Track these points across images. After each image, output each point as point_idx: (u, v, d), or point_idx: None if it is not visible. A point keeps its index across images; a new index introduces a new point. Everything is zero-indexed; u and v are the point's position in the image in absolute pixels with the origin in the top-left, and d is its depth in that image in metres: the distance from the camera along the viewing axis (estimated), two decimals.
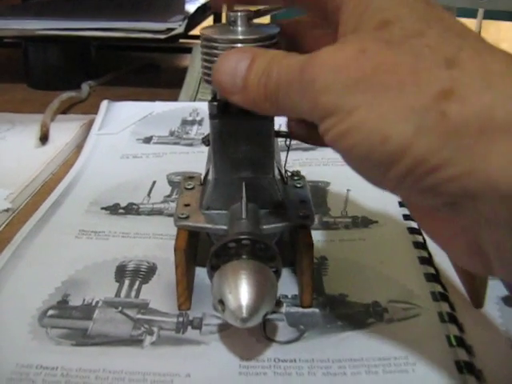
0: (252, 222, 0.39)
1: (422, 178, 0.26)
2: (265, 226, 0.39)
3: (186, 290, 0.39)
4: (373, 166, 0.27)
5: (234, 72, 0.32)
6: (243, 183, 0.40)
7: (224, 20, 0.38)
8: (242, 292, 0.33)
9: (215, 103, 0.39)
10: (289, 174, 0.45)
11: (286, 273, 0.42)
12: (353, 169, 0.29)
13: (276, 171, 0.42)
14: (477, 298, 0.40)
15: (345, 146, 0.28)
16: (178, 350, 0.37)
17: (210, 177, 0.41)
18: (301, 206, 0.42)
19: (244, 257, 0.35)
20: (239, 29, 0.36)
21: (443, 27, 0.28)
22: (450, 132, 0.25)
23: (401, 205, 0.51)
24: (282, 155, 0.45)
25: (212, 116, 0.39)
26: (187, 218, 0.41)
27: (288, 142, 0.42)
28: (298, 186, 0.45)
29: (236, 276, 0.34)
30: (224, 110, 0.39)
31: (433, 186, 0.26)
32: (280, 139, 0.43)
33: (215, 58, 0.35)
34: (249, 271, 0.34)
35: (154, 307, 0.40)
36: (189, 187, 0.44)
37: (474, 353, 0.36)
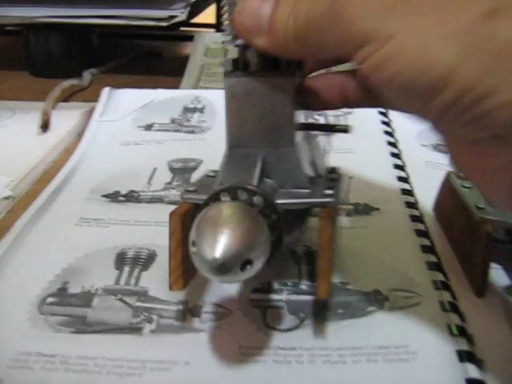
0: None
1: (469, 106, 0.24)
2: (278, 201, 0.35)
3: (179, 267, 0.36)
4: (415, 95, 0.26)
5: (258, 13, 0.30)
6: (261, 156, 0.37)
7: None
8: (216, 231, 0.30)
9: (230, 59, 0.36)
10: (323, 171, 0.41)
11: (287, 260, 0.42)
12: (392, 101, 0.28)
13: (302, 149, 0.38)
14: (478, 287, 0.40)
15: (385, 76, 0.26)
16: (178, 338, 0.37)
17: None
18: (327, 186, 0.38)
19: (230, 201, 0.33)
20: None
21: None
22: (499, 54, 0.23)
23: (403, 192, 0.51)
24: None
25: (227, 73, 0.36)
26: (194, 191, 0.38)
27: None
28: (334, 178, 0.40)
29: (214, 215, 0.31)
30: (240, 67, 0.36)
31: (479, 115, 0.24)
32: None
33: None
34: (231, 211, 0.31)
35: (153, 295, 0.40)
36: (211, 175, 0.41)
37: (474, 342, 0.36)
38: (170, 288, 0.37)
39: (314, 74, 0.39)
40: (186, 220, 0.36)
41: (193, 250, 0.31)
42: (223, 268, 0.29)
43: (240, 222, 0.30)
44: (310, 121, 0.40)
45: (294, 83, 0.36)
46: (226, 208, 0.32)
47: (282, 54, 0.31)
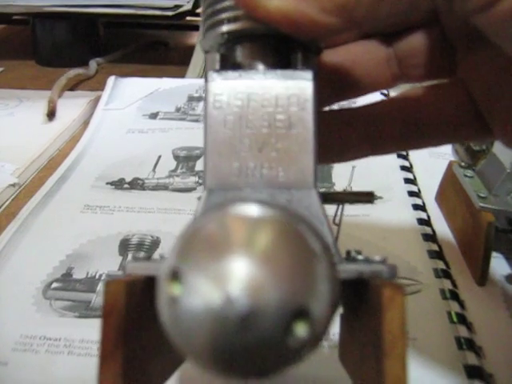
0: None
1: None
2: None
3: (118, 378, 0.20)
4: None
5: None
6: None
7: None
8: (233, 260, 0.17)
9: (217, 53, 0.25)
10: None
11: None
12: (504, 47, 0.21)
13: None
14: (479, 275, 0.40)
15: (499, 13, 0.20)
16: None
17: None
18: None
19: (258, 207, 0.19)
20: None
21: None
22: None
23: (406, 181, 0.51)
24: None
25: (212, 73, 0.24)
26: (145, 260, 0.23)
27: (340, 210, 0.30)
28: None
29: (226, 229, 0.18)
30: (231, 65, 0.24)
31: None
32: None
33: None
34: (260, 224, 0.18)
35: None
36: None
37: (474, 330, 0.36)
38: None
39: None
40: (133, 294, 0.21)
41: (174, 287, 0.18)
42: (255, 324, 0.17)
43: (280, 253, 0.17)
44: None
45: (316, 85, 0.23)
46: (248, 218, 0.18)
47: (305, 32, 0.21)
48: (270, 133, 0.23)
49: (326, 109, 0.28)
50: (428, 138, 0.28)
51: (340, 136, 0.28)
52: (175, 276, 0.17)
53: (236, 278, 0.17)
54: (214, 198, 0.23)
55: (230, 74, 0.23)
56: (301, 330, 0.17)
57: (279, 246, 0.17)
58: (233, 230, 0.18)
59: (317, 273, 0.18)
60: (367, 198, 0.30)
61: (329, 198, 0.29)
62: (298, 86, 0.23)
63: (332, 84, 0.27)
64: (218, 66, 0.24)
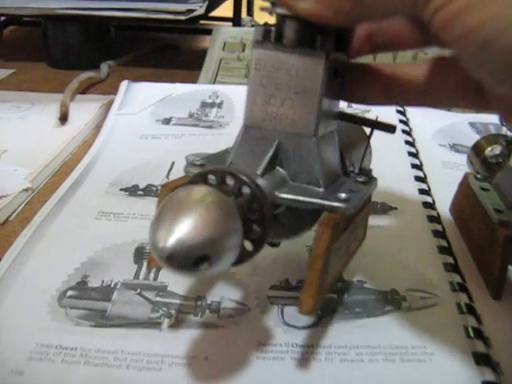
0: (264, 182, 0.32)
1: None
2: (281, 194, 0.32)
3: None
4: (496, 53, 0.22)
5: None
6: (277, 141, 0.33)
7: None
8: (174, 216, 0.27)
9: (262, 28, 0.33)
10: (356, 170, 0.37)
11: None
12: (464, 62, 0.24)
13: (331, 141, 0.35)
14: (495, 289, 0.40)
15: (461, 30, 0.22)
16: (196, 334, 0.37)
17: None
18: (348, 188, 0.34)
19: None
20: None
21: None
22: None
23: (420, 192, 0.51)
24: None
25: (256, 43, 0.33)
26: (200, 166, 0.35)
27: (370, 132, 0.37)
28: (360, 180, 0.36)
29: (180, 198, 0.28)
30: (271, 39, 0.32)
31: None
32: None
33: None
34: (199, 196, 0.28)
35: (172, 290, 0.40)
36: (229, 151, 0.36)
37: (491, 345, 0.36)
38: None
39: (362, 56, 0.35)
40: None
41: (149, 232, 0.28)
42: (171, 260, 0.26)
43: (205, 211, 0.27)
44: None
45: (328, 63, 0.32)
46: (195, 192, 0.28)
47: (329, 20, 0.27)
48: (290, 93, 0.32)
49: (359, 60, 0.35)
50: (431, 102, 0.34)
51: (363, 85, 0.35)
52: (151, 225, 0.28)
53: (169, 232, 0.27)
54: (248, 132, 0.33)
55: (270, 45, 0.32)
56: (203, 267, 0.27)
57: (203, 213, 0.27)
58: (183, 200, 0.28)
59: (222, 234, 0.27)
60: (388, 128, 0.37)
61: (349, 118, 0.36)
62: (313, 62, 0.31)
63: (370, 40, 0.34)
64: (261, 38, 0.32)
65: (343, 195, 0.32)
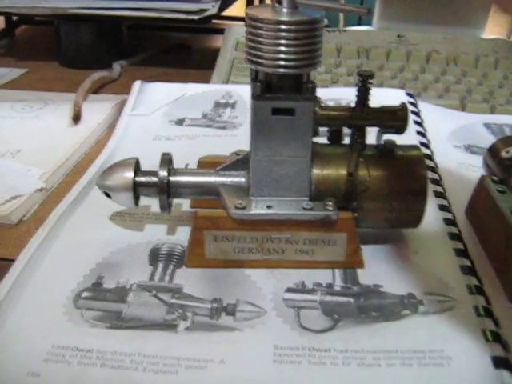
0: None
1: None
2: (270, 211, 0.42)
3: None
4: None
5: None
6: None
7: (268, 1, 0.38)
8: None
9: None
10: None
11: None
12: None
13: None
14: None
15: None
16: (212, 336, 0.37)
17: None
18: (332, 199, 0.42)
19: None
20: (284, 10, 0.37)
21: None
22: None
23: (436, 195, 0.51)
24: None
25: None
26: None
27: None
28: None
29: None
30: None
31: None
32: None
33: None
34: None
35: (187, 292, 0.40)
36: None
37: (509, 349, 0.36)
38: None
39: None
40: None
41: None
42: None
43: (115, 167, 0.45)
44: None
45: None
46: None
47: None
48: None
49: None
50: None
51: None
52: None
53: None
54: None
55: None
56: (108, 197, 0.45)
57: (117, 171, 0.45)
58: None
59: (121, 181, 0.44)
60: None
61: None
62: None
63: None
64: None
65: (330, 206, 0.42)
